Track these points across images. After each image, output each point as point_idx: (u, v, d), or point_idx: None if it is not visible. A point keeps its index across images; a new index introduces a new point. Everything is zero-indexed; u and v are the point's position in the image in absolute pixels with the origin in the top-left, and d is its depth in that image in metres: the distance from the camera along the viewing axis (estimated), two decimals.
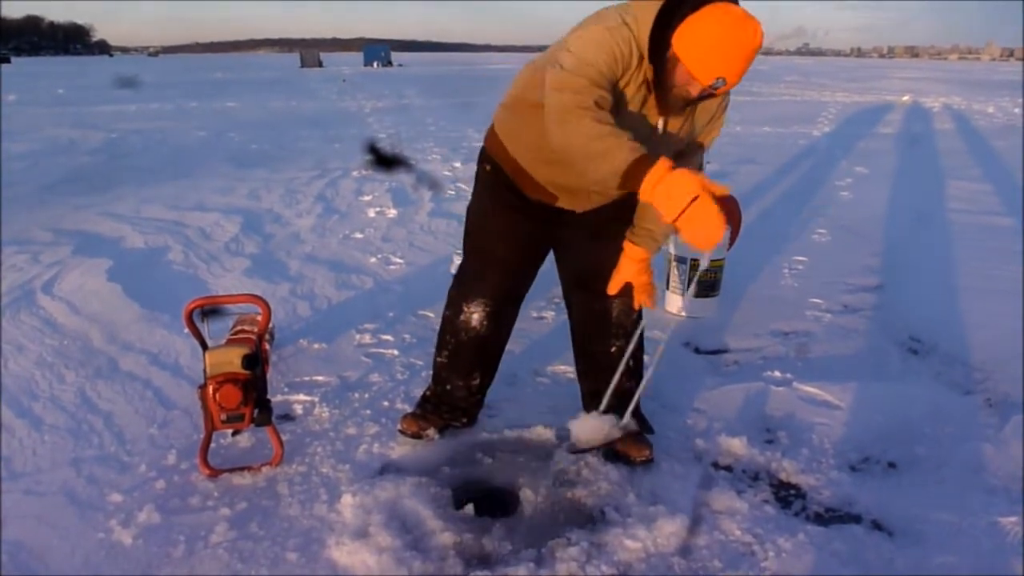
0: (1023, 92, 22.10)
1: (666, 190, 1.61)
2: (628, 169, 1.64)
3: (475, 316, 2.32)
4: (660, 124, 1.93)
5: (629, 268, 2.16)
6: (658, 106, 1.90)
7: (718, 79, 1.73)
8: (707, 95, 1.82)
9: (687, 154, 2.08)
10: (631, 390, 2.37)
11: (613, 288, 2.21)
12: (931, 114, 15.45)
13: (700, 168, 2.15)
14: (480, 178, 2.31)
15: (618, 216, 2.17)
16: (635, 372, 2.38)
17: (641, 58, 1.80)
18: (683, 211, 1.59)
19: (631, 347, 2.32)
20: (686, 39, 1.72)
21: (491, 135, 2.24)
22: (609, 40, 1.76)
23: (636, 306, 2.26)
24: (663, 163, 1.63)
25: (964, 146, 10.30)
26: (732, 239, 3.69)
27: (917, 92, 22.17)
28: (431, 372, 2.50)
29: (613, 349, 2.34)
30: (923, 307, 3.70)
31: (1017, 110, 16.42)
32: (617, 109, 1.81)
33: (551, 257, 2.40)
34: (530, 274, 2.37)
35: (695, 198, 1.59)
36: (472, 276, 2.35)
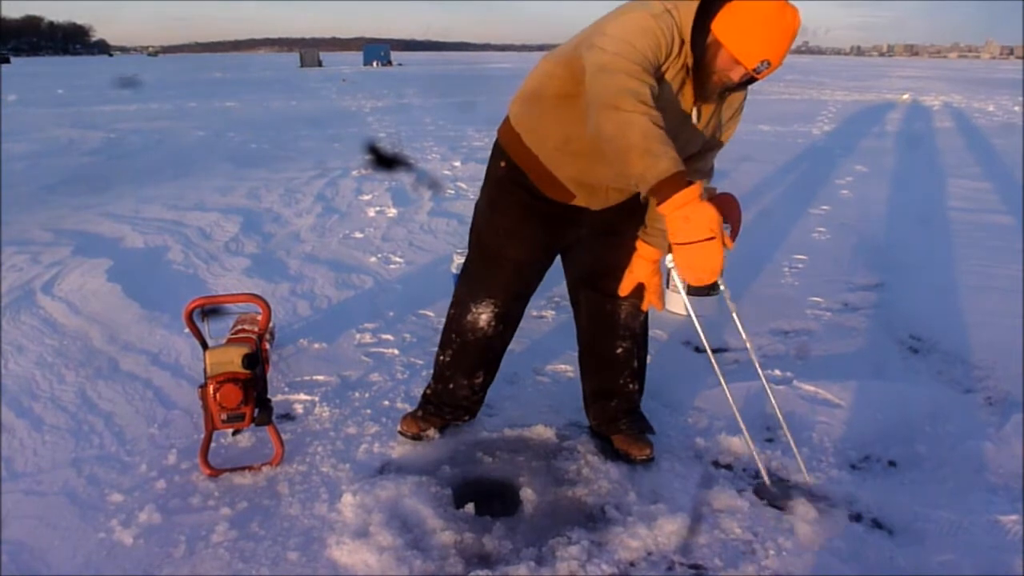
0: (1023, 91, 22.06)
1: (687, 216, 1.64)
2: (664, 179, 1.63)
3: (483, 317, 2.28)
4: (694, 113, 1.93)
5: (642, 268, 2.17)
6: (694, 94, 1.89)
7: (762, 62, 1.75)
8: (748, 80, 1.85)
9: (707, 150, 2.09)
10: (634, 392, 2.38)
11: (625, 289, 2.21)
12: (931, 112, 15.44)
13: (711, 171, 2.15)
14: (492, 174, 2.24)
15: (630, 217, 2.17)
16: (639, 374, 2.38)
17: (682, 43, 1.80)
18: (693, 243, 1.64)
19: (637, 349, 2.33)
20: (728, 24, 1.75)
21: (507, 130, 2.16)
22: (654, 26, 1.74)
23: (644, 307, 2.26)
24: (695, 188, 1.64)
25: (964, 144, 10.30)
26: (732, 237, 3.69)
27: (917, 90, 22.17)
28: (432, 370, 2.49)
29: (619, 351, 2.33)
30: (923, 305, 3.70)
31: (1017, 108, 16.42)
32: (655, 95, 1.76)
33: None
34: (540, 274, 2.32)
35: (711, 238, 1.63)
36: (481, 276, 2.30)
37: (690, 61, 1.83)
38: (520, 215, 2.18)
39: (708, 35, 1.78)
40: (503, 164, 2.18)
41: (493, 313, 2.28)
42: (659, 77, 1.78)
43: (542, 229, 2.19)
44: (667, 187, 1.63)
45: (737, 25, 1.74)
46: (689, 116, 1.93)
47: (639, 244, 2.16)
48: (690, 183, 1.64)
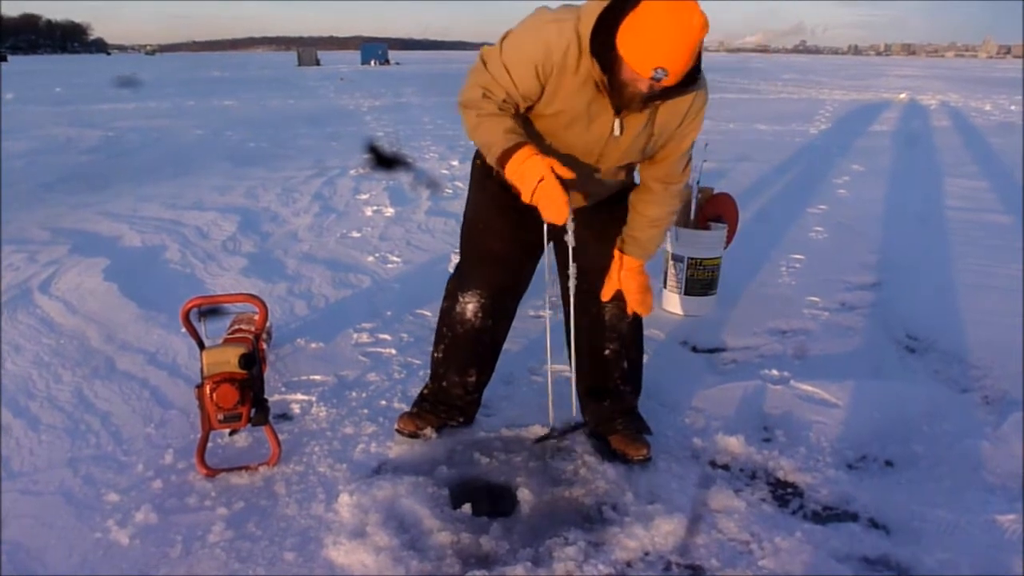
0: (1023, 89, 22.06)
1: (520, 172, 1.83)
2: (498, 157, 1.86)
3: (469, 307, 2.33)
4: (616, 126, 1.94)
5: (617, 275, 2.21)
6: (612, 106, 1.90)
7: (657, 70, 1.72)
8: (658, 92, 1.81)
9: (663, 159, 2.07)
10: (627, 393, 2.38)
11: (606, 294, 2.25)
12: (928, 112, 15.46)
13: (682, 175, 2.14)
14: (472, 173, 2.34)
15: (610, 216, 2.20)
16: (631, 375, 2.38)
17: (581, 53, 1.82)
18: (534, 190, 1.82)
19: (627, 350, 2.33)
20: (624, 34, 1.73)
21: None
22: (545, 31, 1.83)
23: (628, 312, 2.27)
24: (524, 150, 1.83)
25: (961, 143, 10.31)
26: (729, 237, 3.69)
27: (914, 90, 22.20)
28: (429, 371, 2.50)
29: (607, 352, 2.34)
30: (920, 305, 3.71)
31: (1014, 107, 16.44)
32: (555, 104, 1.91)
33: (546, 258, 2.39)
34: (525, 267, 2.36)
35: (541, 179, 1.81)
36: (467, 269, 2.37)
37: (597, 75, 1.84)
38: (495, 209, 2.26)
39: (614, 47, 1.77)
40: (479, 163, 2.28)
41: (479, 304, 2.32)
42: (556, 83, 1.88)
43: (515, 222, 2.20)
44: (502, 160, 1.86)
45: (631, 34, 1.72)
46: (612, 129, 1.94)
47: (616, 253, 2.20)
48: (520, 146, 1.83)
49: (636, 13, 1.70)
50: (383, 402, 2.69)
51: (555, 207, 1.84)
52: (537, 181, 1.82)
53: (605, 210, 2.22)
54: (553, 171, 1.82)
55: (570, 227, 1.97)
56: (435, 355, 2.45)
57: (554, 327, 3.12)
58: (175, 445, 2.39)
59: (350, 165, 7.80)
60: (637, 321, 2.35)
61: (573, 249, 2.13)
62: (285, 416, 2.60)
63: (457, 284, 2.38)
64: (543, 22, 1.86)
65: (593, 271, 2.25)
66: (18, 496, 2.13)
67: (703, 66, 1.86)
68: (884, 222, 5.62)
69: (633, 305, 2.23)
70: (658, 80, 1.74)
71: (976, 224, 5.43)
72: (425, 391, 2.51)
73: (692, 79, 1.82)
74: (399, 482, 2.13)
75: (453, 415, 2.46)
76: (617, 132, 1.94)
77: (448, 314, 2.38)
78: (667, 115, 1.96)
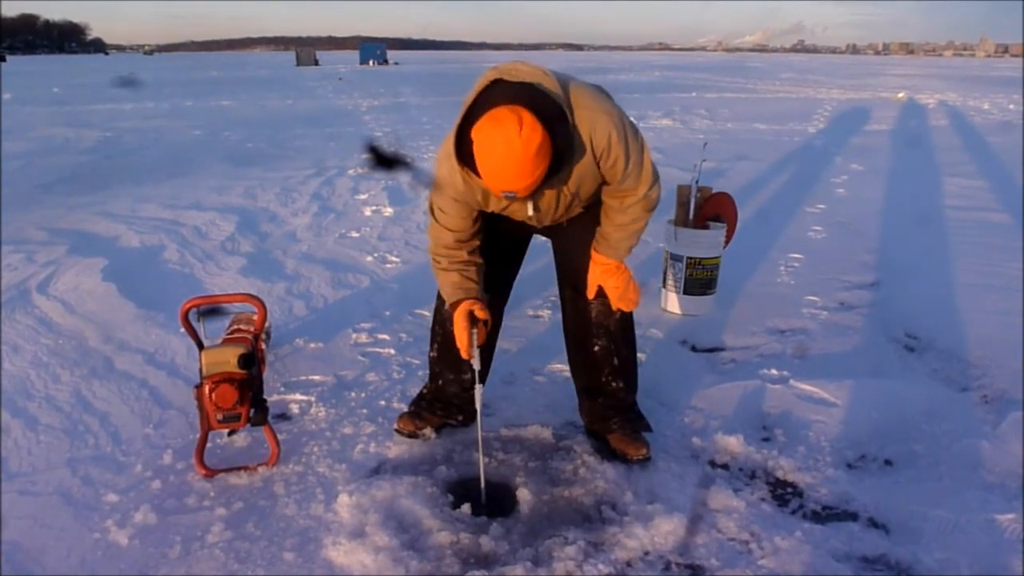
0: (1023, 88, 22.07)
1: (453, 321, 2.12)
2: (449, 307, 2.16)
3: None
4: (528, 208, 2.03)
5: (594, 272, 2.24)
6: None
7: (505, 193, 1.82)
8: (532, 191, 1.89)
9: (612, 184, 2.09)
10: (620, 390, 2.38)
11: (590, 292, 2.29)
12: (926, 111, 15.46)
13: (646, 199, 2.14)
14: None
15: (591, 217, 2.23)
16: (623, 371, 2.38)
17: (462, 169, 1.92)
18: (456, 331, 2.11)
19: (616, 347, 2.33)
20: (476, 157, 1.81)
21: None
22: (442, 170, 2.01)
23: (613, 308, 2.28)
24: (459, 308, 2.11)
25: (959, 143, 10.31)
26: (728, 237, 3.69)
27: (912, 89, 22.20)
28: (427, 371, 2.51)
29: (596, 348, 2.35)
30: (919, 304, 3.70)
31: (1012, 106, 16.44)
32: (488, 208, 2.09)
33: (548, 257, 2.41)
34: (510, 266, 2.42)
35: (454, 326, 2.12)
36: None
37: (477, 182, 1.93)
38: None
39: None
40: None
41: None
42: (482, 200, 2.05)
43: (495, 229, 2.25)
44: (450, 311, 2.17)
45: (476, 159, 1.80)
46: (527, 212, 2.05)
47: (592, 252, 2.23)
48: (456, 304, 2.12)
49: (474, 137, 1.78)
50: (382, 402, 2.69)
51: (461, 346, 2.13)
52: (457, 325, 2.11)
53: (587, 214, 2.24)
54: (472, 314, 2.10)
55: (475, 363, 2.14)
56: (430, 354, 2.48)
57: (550, 327, 3.11)
58: (174, 445, 2.38)
59: (349, 165, 7.80)
60: (625, 318, 2.36)
61: (560, 253, 2.26)
62: (284, 416, 2.60)
63: None
64: (439, 161, 2.04)
65: (578, 271, 2.29)
66: (17, 496, 2.13)
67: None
68: (883, 221, 5.62)
69: (614, 301, 2.26)
70: (511, 199, 1.86)
71: (975, 223, 5.43)
72: (423, 391, 2.53)
73: (556, 170, 1.86)
74: (398, 482, 2.13)
75: (452, 413, 2.47)
76: (531, 212, 2.06)
77: (439, 312, 2.41)
78: (579, 176, 2.01)
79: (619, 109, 2.03)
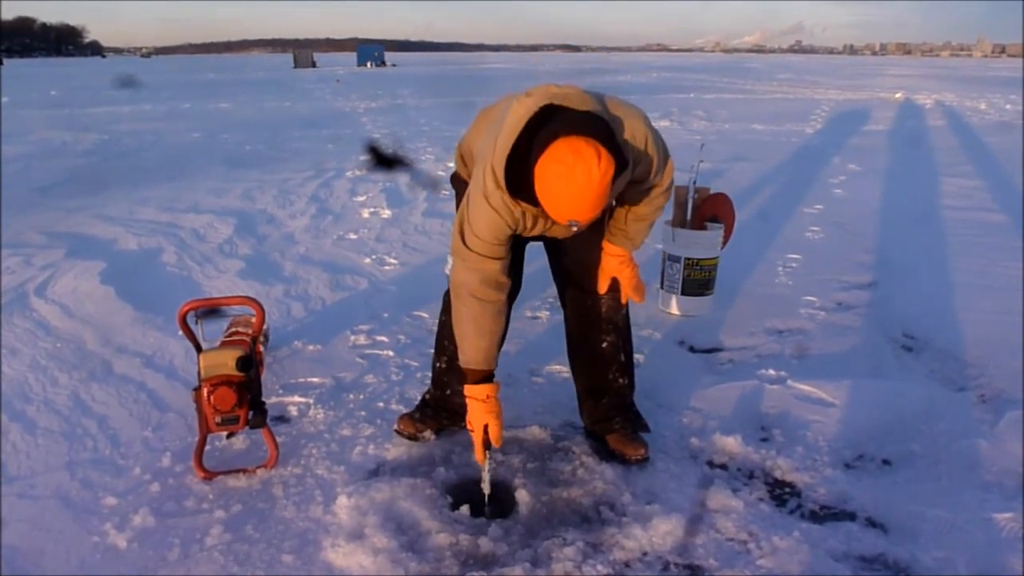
0: (1023, 88, 22.08)
1: (469, 404, 2.06)
2: (466, 369, 2.07)
3: None
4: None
5: (610, 264, 2.26)
6: None
7: (571, 221, 1.80)
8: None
9: (635, 201, 2.13)
10: (624, 387, 2.39)
11: (602, 286, 2.30)
12: (924, 111, 15.47)
13: (656, 202, 2.18)
14: (455, 187, 2.38)
15: (602, 216, 2.22)
16: (626, 368, 2.40)
17: (517, 203, 1.90)
18: (471, 426, 2.06)
19: (623, 343, 2.35)
20: (538, 185, 1.78)
21: (459, 171, 2.33)
22: (490, 215, 1.92)
23: (623, 301, 2.32)
24: (479, 391, 2.04)
25: (957, 143, 10.32)
26: (726, 237, 3.70)
27: (910, 89, 22.21)
28: (429, 375, 2.51)
29: (605, 344, 2.36)
30: (917, 304, 3.71)
31: (1009, 106, 16.46)
32: (531, 232, 2.05)
33: (543, 259, 2.41)
34: (517, 274, 2.36)
35: (472, 429, 2.05)
36: None
37: (533, 210, 1.91)
38: None
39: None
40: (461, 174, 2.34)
41: None
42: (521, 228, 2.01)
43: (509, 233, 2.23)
44: (465, 372, 2.08)
45: (540, 189, 1.77)
46: (565, 224, 1.98)
47: (604, 243, 2.26)
48: (479, 382, 2.05)
49: (543, 166, 1.74)
50: (381, 404, 2.69)
51: (477, 451, 2.07)
52: (475, 424, 2.05)
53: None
54: (485, 429, 2.03)
55: (486, 474, 2.08)
56: (438, 365, 2.46)
57: (549, 328, 3.11)
58: (172, 448, 2.38)
59: (347, 167, 7.80)
60: (628, 314, 2.41)
61: (564, 253, 2.25)
62: (283, 418, 2.60)
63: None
64: (480, 197, 1.93)
65: (583, 269, 2.30)
66: (15, 500, 2.12)
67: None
68: (880, 221, 5.63)
69: (628, 292, 2.29)
70: (572, 227, 1.83)
71: (973, 223, 5.44)
72: (427, 397, 2.51)
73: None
74: (397, 484, 2.13)
75: (456, 421, 2.46)
76: (574, 229, 1.99)
77: (448, 327, 2.34)
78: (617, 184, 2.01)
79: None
